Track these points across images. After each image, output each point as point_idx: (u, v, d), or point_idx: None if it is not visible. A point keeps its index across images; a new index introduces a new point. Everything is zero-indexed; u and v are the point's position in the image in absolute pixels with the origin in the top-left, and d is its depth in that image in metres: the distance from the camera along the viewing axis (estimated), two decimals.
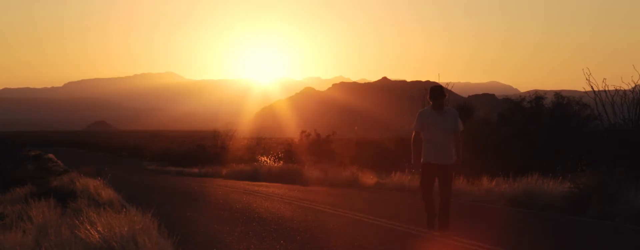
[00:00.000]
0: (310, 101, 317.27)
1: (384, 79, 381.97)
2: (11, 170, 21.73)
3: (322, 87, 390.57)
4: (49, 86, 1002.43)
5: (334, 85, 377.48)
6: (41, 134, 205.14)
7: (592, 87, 17.03)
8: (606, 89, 16.57)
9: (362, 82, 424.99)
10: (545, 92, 21.04)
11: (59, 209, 10.14)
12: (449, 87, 25.36)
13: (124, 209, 9.77)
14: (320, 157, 29.84)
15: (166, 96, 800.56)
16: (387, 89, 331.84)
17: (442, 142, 8.49)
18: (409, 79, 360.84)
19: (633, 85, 16.66)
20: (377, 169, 22.01)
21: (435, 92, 8.61)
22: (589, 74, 16.92)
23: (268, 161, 32.39)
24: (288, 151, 35.22)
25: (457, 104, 24.70)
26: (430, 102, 8.64)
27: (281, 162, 31.06)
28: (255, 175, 26.88)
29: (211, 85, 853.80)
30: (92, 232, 7.26)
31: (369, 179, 20.11)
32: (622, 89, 16.86)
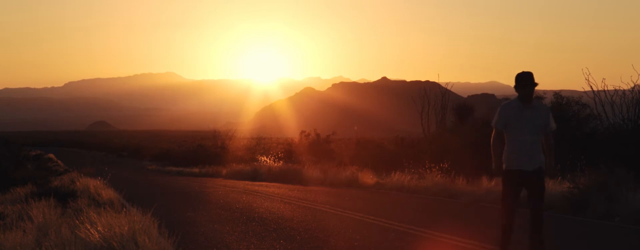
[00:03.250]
0: (310, 101, 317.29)
1: (384, 79, 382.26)
2: (11, 170, 21.71)
3: (322, 87, 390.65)
4: (49, 86, 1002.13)
5: (334, 85, 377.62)
6: (41, 134, 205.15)
7: (591, 87, 17.07)
8: (605, 88, 16.60)
9: (362, 82, 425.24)
10: (545, 92, 21.03)
11: (59, 208, 10.15)
12: (449, 87, 25.40)
13: (124, 209, 9.79)
14: (320, 157, 29.87)
15: (166, 96, 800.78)
16: (386, 89, 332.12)
17: (530, 143, 6.88)
18: (408, 79, 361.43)
19: (632, 85, 16.69)
20: (376, 169, 22.02)
21: (524, 80, 6.81)
22: (588, 74, 16.96)
23: (268, 161, 32.40)
24: (288, 151, 35.25)
25: (457, 104, 24.70)
26: (517, 93, 6.93)
27: (281, 162, 31.08)
28: (255, 175, 26.91)
29: (211, 85, 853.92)
30: (93, 232, 7.28)
31: (368, 179, 20.12)
32: (621, 88, 16.89)
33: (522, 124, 6.87)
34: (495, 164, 7.03)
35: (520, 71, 6.89)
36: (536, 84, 6.82)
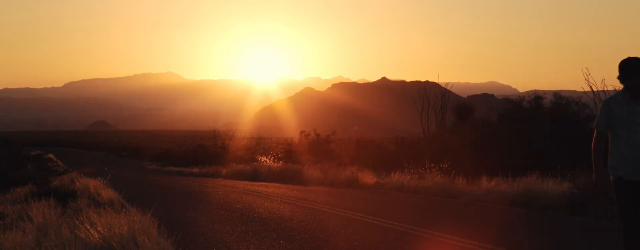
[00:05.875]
0: (310, 101, 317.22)
1: (384, 79, 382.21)
2: (11, 170, 21.73)
3: (322, 87, 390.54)
4: (49, 86, 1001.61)
5: (334, 85, 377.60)
6: (41, 134, 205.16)
7: (591, 87, 17.05)
8: (605, 89, 16.57)
9: (362, 82, 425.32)
10: (545, 92, 21.09)
11: (59, 208, 10.16)
12: (448, 87, 25.42)
13: (124, 209, 9.80)
14: (320, 157, 29.89)
15: (166, 96, 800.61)
16: (386, 89, 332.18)
17: None
18: (408, 79, 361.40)
19: None
20: (376, 169, 22.04)
21: (631, 67, 5.54)
22: (588, 74, 16.94)
23: (268, 161, 32.44)
24: (288, 151, 35.28)
25: (457, 104, 24.72)
26: (622, 84, 5.75)
27: (281, 162, 31.11)
28: (255, 175, 26.92)
29: (211, 85, 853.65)
30: (92, 232, 7.28)
31: (368, 179, 20.13)
32: (620, 89, 16.88)
33: (632, 121, 5.61)
34: (597, 174, 5.68)
35: (625, 57, 5.65)
36: None
